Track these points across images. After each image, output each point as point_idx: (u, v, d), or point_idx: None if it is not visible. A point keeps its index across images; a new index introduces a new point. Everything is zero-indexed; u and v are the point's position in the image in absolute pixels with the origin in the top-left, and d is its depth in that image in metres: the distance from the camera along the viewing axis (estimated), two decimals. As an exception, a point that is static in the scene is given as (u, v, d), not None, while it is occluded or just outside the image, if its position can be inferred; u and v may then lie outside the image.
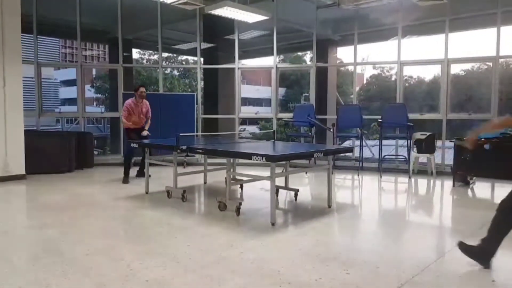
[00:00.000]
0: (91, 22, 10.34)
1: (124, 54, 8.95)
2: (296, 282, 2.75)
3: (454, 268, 3.05)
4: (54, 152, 7.35)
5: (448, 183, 6.59)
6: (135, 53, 21.73)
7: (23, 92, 6.85)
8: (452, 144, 6.49)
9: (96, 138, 16.22)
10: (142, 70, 21.64)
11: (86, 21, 8.93)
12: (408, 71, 7.60)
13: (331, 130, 7.90)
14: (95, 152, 10.23)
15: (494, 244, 2.93)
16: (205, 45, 9.46)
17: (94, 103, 26.35)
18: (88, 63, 21.69)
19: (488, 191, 6.27)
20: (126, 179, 6.57)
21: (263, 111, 19.92)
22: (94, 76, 24.75)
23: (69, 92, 25.38)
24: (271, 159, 3.99)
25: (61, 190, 6.09)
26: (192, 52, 12.49)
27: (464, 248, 3.09)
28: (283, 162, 5.19)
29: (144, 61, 23.75)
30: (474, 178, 6.44)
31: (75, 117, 14.47)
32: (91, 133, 8.80)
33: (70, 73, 24.82)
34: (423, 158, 7.50)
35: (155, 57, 23.24)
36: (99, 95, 25.14)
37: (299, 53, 22.66)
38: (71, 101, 24.65)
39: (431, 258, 3.25)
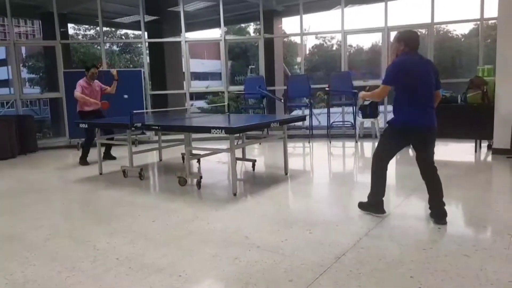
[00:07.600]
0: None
1: (61, 30, 8.38)
2: (264, 245, 2.90)
3: (404, 221, 3.37)
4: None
5: (392, 144, 7.06)
6: (69, 29, 20.26)
7: None
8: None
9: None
10: (79, 47, 20.35)
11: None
12: (348, 40, 7.93)
13: (282, 100, 8.07)
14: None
15: (379, 192, 3.42)
16: (148, 18, 9.09)
17: (26, 84, 24.43)
18: (20, 41, 19.81)
19: (427, 150, 6.81)
20: (84, 161, 6.24)
21: (212, 85, 19.68)
22: (24, 55, 22.83)
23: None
24: (230, 131, 4.06)
25: (7, 177, 5.78)
26: (134, 25, 11.96)
27: (361, 205, 3.53)
28: (239, 134, 5.27)
29: (80, 37, 22.26)
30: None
31: (6, 100, 13.42)
32: (32, 116, 8.28)
33: (-4, 52, 22.65)
34: (367, 122, 7.95)
35: (91, 32, 21.85)
36: (32, 75, 23.35)
37: (242, 25, 22.42)
38: (-1, 83, 22.62)
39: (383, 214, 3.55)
